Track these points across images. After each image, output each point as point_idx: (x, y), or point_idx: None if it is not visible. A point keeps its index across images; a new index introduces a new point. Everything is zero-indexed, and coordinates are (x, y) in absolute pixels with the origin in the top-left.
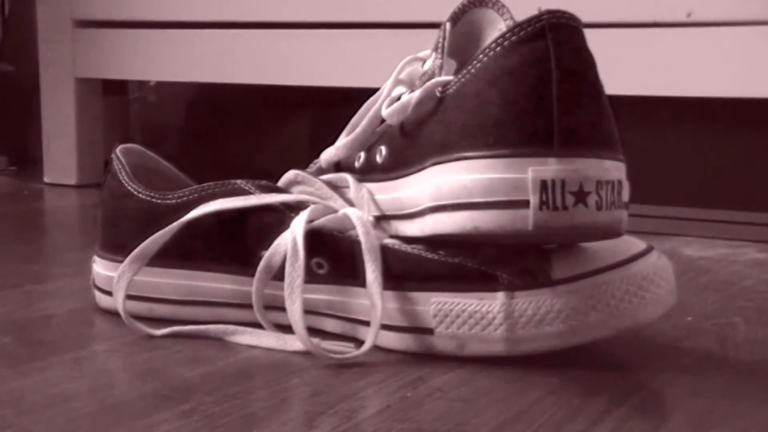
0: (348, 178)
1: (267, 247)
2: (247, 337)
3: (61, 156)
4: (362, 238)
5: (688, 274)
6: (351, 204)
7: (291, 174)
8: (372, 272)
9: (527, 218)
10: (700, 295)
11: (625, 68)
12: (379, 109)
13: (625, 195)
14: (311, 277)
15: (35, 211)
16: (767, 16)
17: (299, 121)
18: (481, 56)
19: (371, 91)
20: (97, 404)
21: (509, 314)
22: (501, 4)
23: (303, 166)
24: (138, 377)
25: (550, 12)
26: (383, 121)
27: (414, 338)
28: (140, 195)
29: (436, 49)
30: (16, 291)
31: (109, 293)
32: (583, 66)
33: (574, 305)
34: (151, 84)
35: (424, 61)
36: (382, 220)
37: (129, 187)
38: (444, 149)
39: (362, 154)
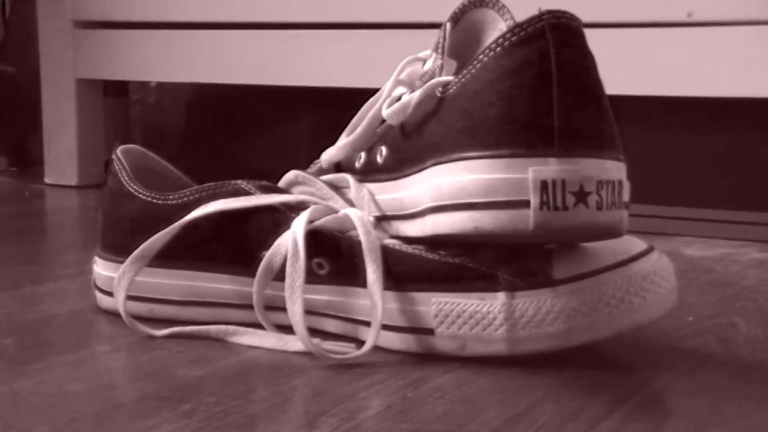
0: (348, 178)
1: (268, 248)
2: (248, 337)
3: (61, 157)
4: (363, 239)
5: (688, 274)
6: (351, 204)
7: (292, 174)
8: (373, 272)
9: (528, 218)
10: (701, 295)
11: (626, 68)
12: (380, 109)
13: (626, 195)
14: (312, 277)
15: (36, 212)
16: (767, 16)
17: (300, 121)
18: (481, 56)
19: (372, 92)
20: (98, 405)
21: (510, 314)
22: (501, 5)
23: (303, 166)
24: (139, 378)
25: (550, 12)
26: (384, 121)
27: (415, 338)
28: (141, 196)
29: (436, 49)
30: (17, 292)
31: (110, 294)
32: (584, 66)
33: (575, 305)
34: (151, 85)
35: (424, 61)
36: (382, 220)
37: (130, 188)
38: (444, 149)
39: (363, 155)
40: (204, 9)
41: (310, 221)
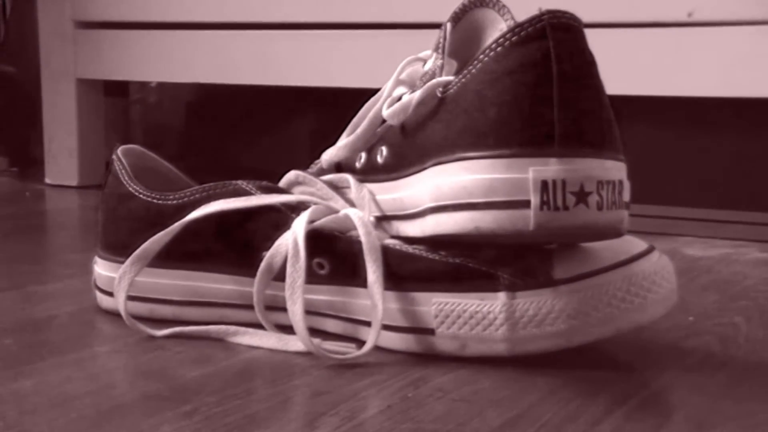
0: (349, 178)
1: (268, 248)
2: (249, 337)
3: (62, 157)
4: (363, 239)
5: (689, 273)
6: (352, 204)
7: (292, 174)
8: (373, 273)
9: (528, 218)
10: (702, 294)
11: (626, 68)
12: (380, 109)
13: (626, 195)
14: (312, 277)
15: (36, 212)
16: (767, 16)
17: (300, 121)
18: (481, 56)
19: (372, 92)
20: (98, 405)
21: (510, 314)
22: (502, 4)
23: (304, 166)
24: (139, 378)
25: (550, 12)
26: (384, 121)
27: (415, 338)
28: (141, 196)
29: (437, 49)
30: (17, 292)
31: (110, 294)
32: (584, 66)
33: (576, 305)
34: (152, 85)
35: (425, 61)
36: (383, 220)
37: (130, 188)
38: (445, 149)
39: (363, 155)
40: (204, 9)
41: (311, 221)
